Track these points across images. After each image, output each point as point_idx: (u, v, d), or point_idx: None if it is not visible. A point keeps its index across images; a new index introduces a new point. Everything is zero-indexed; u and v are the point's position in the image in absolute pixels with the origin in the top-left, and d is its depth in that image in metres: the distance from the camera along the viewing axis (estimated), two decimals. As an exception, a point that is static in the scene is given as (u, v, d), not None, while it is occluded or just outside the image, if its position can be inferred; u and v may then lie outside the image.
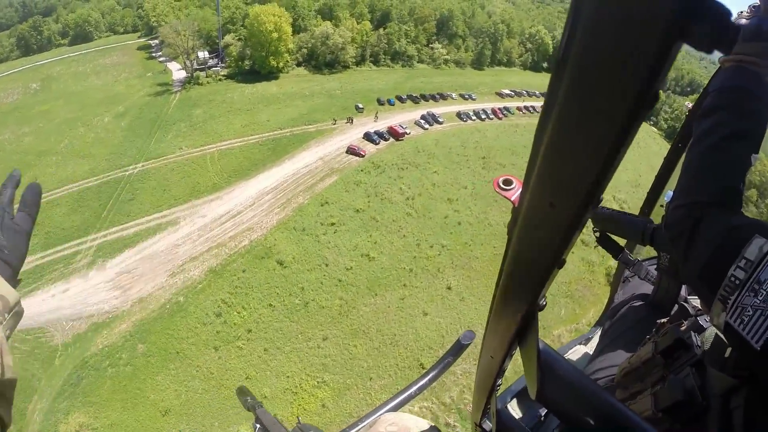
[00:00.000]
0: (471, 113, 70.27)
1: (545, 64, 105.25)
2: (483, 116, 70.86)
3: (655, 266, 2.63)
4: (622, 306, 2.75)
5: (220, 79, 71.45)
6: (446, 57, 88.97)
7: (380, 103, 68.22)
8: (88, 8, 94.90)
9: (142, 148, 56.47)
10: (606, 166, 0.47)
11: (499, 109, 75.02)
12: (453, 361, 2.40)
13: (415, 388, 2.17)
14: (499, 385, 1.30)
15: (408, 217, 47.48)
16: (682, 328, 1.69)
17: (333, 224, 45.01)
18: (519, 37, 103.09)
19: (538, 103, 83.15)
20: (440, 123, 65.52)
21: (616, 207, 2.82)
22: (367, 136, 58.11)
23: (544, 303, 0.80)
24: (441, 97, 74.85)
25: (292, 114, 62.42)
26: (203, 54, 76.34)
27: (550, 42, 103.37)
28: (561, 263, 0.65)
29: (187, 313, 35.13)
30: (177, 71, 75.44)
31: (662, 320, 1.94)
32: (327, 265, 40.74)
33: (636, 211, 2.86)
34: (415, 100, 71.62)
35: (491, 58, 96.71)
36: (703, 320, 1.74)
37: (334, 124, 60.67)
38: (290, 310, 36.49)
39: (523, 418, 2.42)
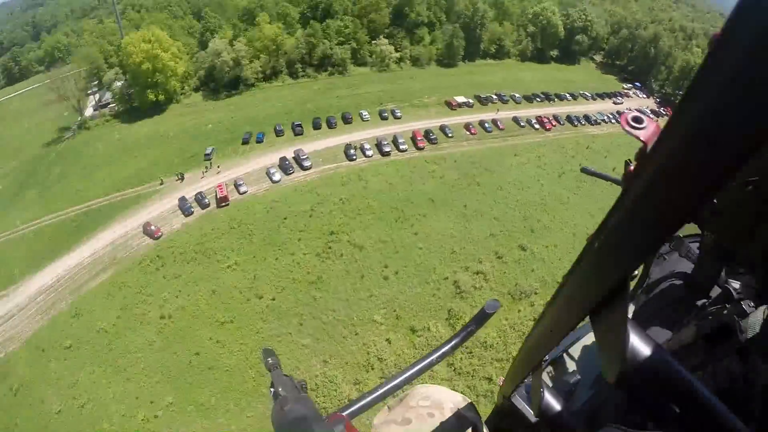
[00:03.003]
0: (367, 147, 50.91)
1: (554, 52, 78.92)
2: (388, 149, 51.00)
3: (696, 244, 2.50)
4: (659, 283, 2.56)
5: (107, 120, 62.37)
6: (395, 55, 68.14)
7: (245, 141, 52.54)
8: (61, 32, 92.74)
9: (-13, 223, 50.24)
10: None
11: (425, 133, 54.15)
12: (476, 330, 2.20)
13: (436, 355, 2.07)
14: (547, 362, 1.25)
15: (147, 349, 33.77)
16: (725, 312, 1.60)
17: (68, 347, 34.53)
18: (519, 19, 77.80)
19: (508, 114, 61.13)
20: (305, 169, 47.98)
21: None
22: (181, 204, 44.29)
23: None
24: (345, 120, 56.07)
25: (130, 170, 50.67)
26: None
27: (560, 23, 77.09)
28: (685, 221, 0.55)
29: None
30: (87, 110, 67.86)
31: (703, 302, 1.88)
32: (32, 405, 31.47)
33: None
34: (297, 131, 53.93)
35: (471, 50, 73.23)
36: (746, 305, 1.63)
37: (161, 184, 47.64)
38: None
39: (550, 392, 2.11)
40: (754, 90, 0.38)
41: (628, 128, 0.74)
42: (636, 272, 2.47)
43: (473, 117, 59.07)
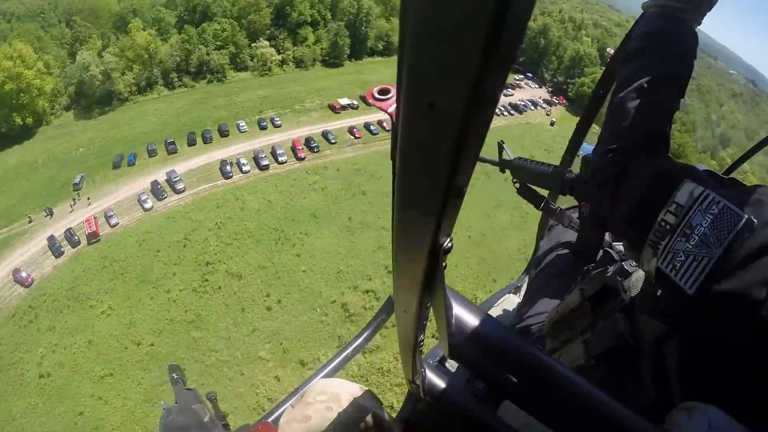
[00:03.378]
0: (244, 161, 50.26)
1: None
2: (266, 162, 50.54)
3: (577, 215, 2.58)
4: (548, 254, 2.70)
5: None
6: (277, 58, 67.05)
7: (115, 165, 50.51)
8: None
9: None
10: (492, 40, 0.33)
11: (306, 141, 53.94)
12: (386, 319, 2.27)
13: (350, 348, 2.13)
14: (422, 341, 1.14)
15: (30, 414, 31.82)
16: (608, 274, 1.68)
17: (-52, 424, 32.21)
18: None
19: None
20: (179, 192, 46.94)
21: None
22: (51, 243, 42.45)
23: (450, 245, 0.68)
24: (222, 133, 54.58)
25: (-1, 207, 47.53)
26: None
27: None
28: (457, 191, 0.51)
29: None
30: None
31: (588, 267, 1.94)
32: None
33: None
34: (170, 149, 52.32)
35: (358, 47, 73.33)
36: (628, 265, 1.72)
37: (30, 222, 45.43)
38: None
39: (458, 372, 2.35)
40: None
41: (372, 101, 0.73)
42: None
43: (358, 119, 59.10)
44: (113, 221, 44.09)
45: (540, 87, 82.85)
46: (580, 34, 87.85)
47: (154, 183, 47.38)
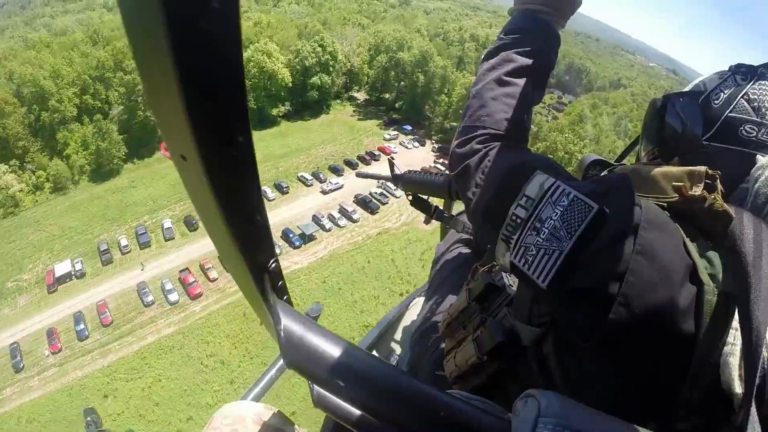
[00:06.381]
0: None
1: (280, 110, 61.38)
2: None
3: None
4: (445, 254, 2.70)
5: None
6: (17, 188, 47.60)
7: None
8: None
9: None
10: (192, 97, 0.34)
11: None
12: None
13: (274, 369, 2.15)
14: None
15: None
16: (494, 270, 1.70)
17: None
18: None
19: (145, 275, 41.67)
20: None
21: None
22: None
23: (273, 266, 0.73)
24: None
25: None
26: None
27: (282, 68, 59.20)
28: (247, 219, 0.55)
29: None
30: None
31: (476, 265, 1.96)
32: None
33: None
34: None
35: (148, 137, 53.04)
36: None
37: None
38: None
39: None
40: None
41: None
42: None
43: (76, 301, 39.49)
44: None
45: (423, 144, 59.18)
46: (481, 55, 59.70)
47: None
